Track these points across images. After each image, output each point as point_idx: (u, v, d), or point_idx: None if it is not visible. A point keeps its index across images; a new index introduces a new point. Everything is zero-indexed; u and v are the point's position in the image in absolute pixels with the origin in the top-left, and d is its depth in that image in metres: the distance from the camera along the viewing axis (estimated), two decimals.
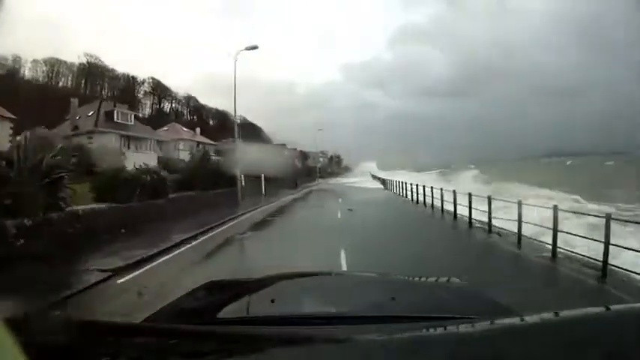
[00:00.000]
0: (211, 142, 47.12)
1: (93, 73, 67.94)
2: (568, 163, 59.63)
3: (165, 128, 45.67)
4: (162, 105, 78.13)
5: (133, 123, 34.83)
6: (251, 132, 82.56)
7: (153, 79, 74.17)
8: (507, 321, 0.99)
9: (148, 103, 74.68)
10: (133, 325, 1.33)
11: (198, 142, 44.17)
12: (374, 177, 64.84)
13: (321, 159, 77.31)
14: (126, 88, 71.24)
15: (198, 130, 49.53)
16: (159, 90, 75.58)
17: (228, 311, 1.48)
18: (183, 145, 41.50)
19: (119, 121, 33.51)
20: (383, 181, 43.87)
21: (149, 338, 1.00)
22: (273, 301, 1.50)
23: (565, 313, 0.90)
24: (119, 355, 0.84)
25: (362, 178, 61.48)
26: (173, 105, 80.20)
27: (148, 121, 50.36)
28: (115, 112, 33.68)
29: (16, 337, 0.58)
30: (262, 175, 24.20)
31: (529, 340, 0.79)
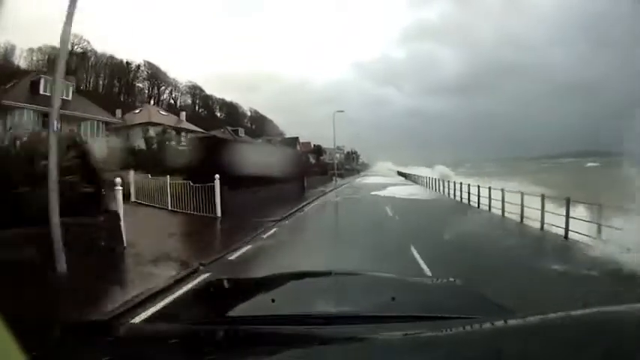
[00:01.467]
0: (200, 130, 36.15)
1: (86, 57, 58.62)
2: (587, 165, 53.48)
3: (137, 111, 35.13)
4: (160, 93, 67.97)
5: (69, 98, 24.11)
6: (262, 125, 76.00)
7: (148, 63, 63.72)
8: (507, 321, 1.00)
9: (149, 92, 64.45)
10: (133, 325, 1.53)
11: (180, 129, 33.44)
12: (401, 174, 55.01)
13: (337, 155, 66.72)
14: (119, 74, 61.90)
15: (183, 114, 38.70)
16: (157, 78, 65.09)
17: (229, 311, 1.45)
18: (154, 131, 30.52)
19: (47, 93, 22.87)
20: (414, 181, 34.67)
21: (149, 338, 0.99)
22: (273, 300, 1.46)
23: (564, 313, 0.90)
24: (119, 355, 0.82)
25: (389, 179, 48.38)
26: (174, 94, 69.96)
27: None
28: (42, 81, 23.10)
29: (16, 336, 0.58)
30: (216, 178, 11.28)
31: (529, 339, 0.80)
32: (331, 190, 27.50)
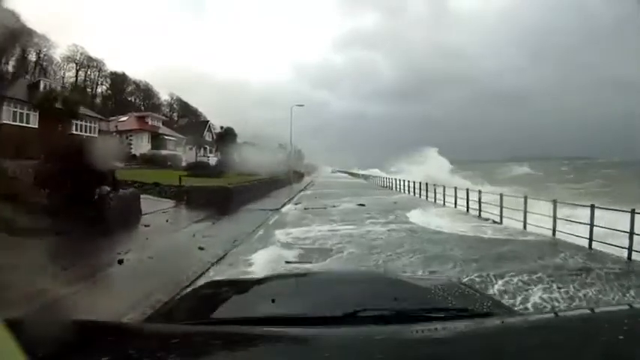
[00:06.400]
0: None
1: None
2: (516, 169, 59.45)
3: None
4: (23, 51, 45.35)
5: None
6: (183, 111, 59.28)
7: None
8: (506, 320, 1.02)
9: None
10: (132, 325, 1.48)
11: None
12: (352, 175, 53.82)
13: (279, 155, 48.54)
14: None
15: None
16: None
17: (228, 311, 1.47)
18: None
19: None
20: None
21: (149, 338, 0.99)
22: (273, 300, 1.42)
23: (563, 313, 0.93)
24: (119, 355, 0.82)
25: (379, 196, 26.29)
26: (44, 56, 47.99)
27: None
28: None
29: (16, 337, 0.57)
30: None
31: (528, 338, 0.80)
32: None
